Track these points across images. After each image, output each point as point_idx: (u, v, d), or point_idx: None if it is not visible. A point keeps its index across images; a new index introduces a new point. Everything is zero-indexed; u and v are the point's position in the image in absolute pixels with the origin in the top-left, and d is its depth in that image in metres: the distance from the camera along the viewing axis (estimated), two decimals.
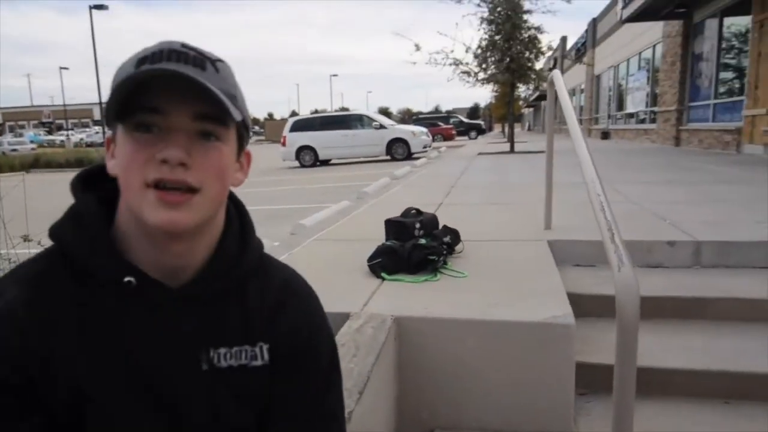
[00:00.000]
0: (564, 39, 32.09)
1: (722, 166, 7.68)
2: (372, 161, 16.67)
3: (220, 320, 0.75)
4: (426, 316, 2.13)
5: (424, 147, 17.27)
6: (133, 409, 0.69)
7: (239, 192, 0.81)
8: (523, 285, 2.45)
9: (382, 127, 16.95)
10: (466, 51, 13.19)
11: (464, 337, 2.08)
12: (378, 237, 3.16)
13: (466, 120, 41.37)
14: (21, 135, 52.83)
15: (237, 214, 0.81)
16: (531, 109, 52.73)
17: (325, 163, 17.09)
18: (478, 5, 12.81)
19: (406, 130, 17.41)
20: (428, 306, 2.23)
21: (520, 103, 29.51)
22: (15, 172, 18.95)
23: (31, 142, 41.62)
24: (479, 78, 13.43)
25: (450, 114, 46.12)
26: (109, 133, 0.71)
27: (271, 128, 51.76)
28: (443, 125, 32.44)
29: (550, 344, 2.00)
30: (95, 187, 0.74)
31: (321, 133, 16.41)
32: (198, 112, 0.65)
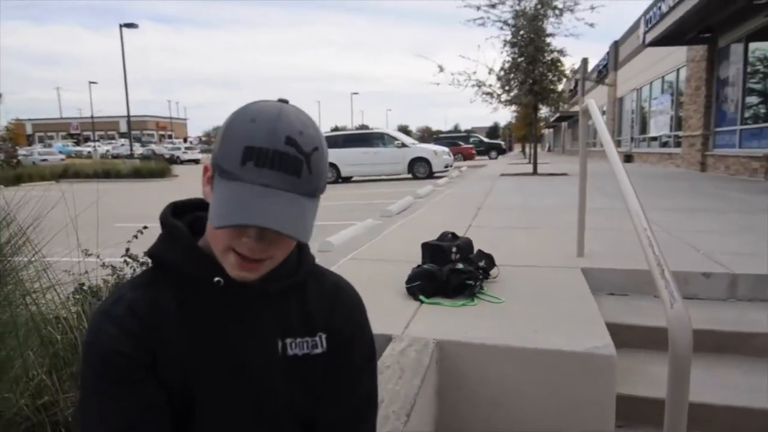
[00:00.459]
0: (585, 60, 32.13)
1: (750, 194, 7.60)
2: (393, 179, 16.78)
3: (286, 314, 0.90)
4: (467, 341, 2.17)
5: (446, 166, 17.35)
6: (223, 386, 0.85)
7: None
8: (560, 312, 2.48)
9: (404, 145, 17.09)
10: (489, 72, 13.30)
11: (504, 363, 2.11)
12: (412, 258, 3.22)
13: (486, 139, 41.42)
14: (50, 145, 54.18)
15: None
16: (551, 130, 52.63)
17: (347, 180, 17.25)
18: (501, 28, 12.95)
19: (428, 150, 17.53)
20: (467, 331, 2.27)
21: (541, 124, 29.53)
22: (46, 182, 19.45)
23: (60, 152, 42.63)
24: (502, 99, 13.51)
25: (469, 133, 46.23)
26: (208, 161, 0.82)
27: None
28: (463, 144, 32.51)
29: (590, 375, 2.02)
30: (181, 213, 0.92)
31: (343, 150, 16.59)
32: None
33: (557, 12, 12.48)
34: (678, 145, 15.13)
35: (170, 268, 0.85)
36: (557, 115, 29.99)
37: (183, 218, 0.90)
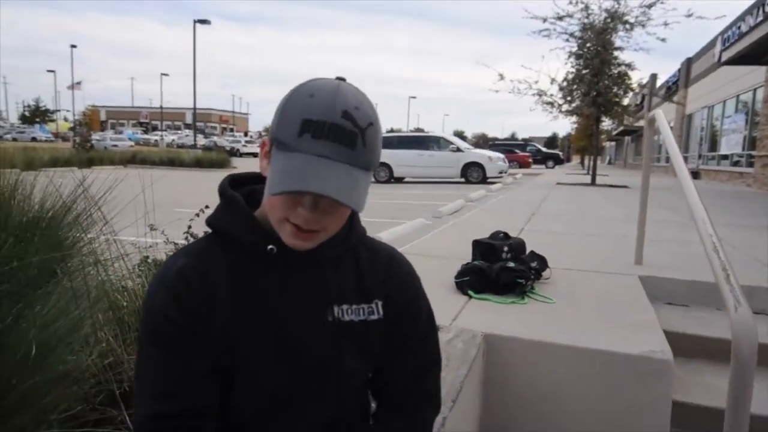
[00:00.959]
0: (654, 76, 30.79)
1: None
2: (446, 182, 16.70)
3: (341, 282, 0.92)
4: (516, 336, 2.15)
5: (500, 172, 17.10)
6: (274, 351, 0.87)
7: None
8: (615, 316, 2.41)
9: (458, 149, 16.98)
10: (551, 82, 13.02)
11: (555, 361, 2.08)
12: (461, 256, 3.21)
13: (543, 149, 40.54)
14: (121, 132, 57.24)
15: None
16: (613, 144, 50.89)
17: (399, 180, 17.31)
18: (567, 40, 12.64)
19: (483, 155, 17.33)
20: (516, 327, 2.25)
21: (603, 136, 28.63)
22: (115, 166, 20.50)
23: (129, 139, 44.90)
24: (563, 110, 13.20)
25: (526, 142, 45.34)
26: (266, 137, 0.86)
27: None
28: (519, 152, 31.97)
29: (646, 378, 1.96)
30: (238, 186, 0.96)
31: (398, 151, 16.65)
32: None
33: (627, 26, 12.07)
34: (750, 164, 14.33)
35: (226, 235, 0.88)
36: (621, 128, 28.98)
37: (240, 190, 0.94)
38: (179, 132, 67.34)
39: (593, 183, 13.13)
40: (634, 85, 12.86)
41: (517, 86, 12.73)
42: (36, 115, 70.32)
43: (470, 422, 1.97)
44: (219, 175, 1.03)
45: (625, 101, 13.15)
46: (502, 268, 2.68)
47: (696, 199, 2.03)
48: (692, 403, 2.09)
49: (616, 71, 12.42)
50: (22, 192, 3.09)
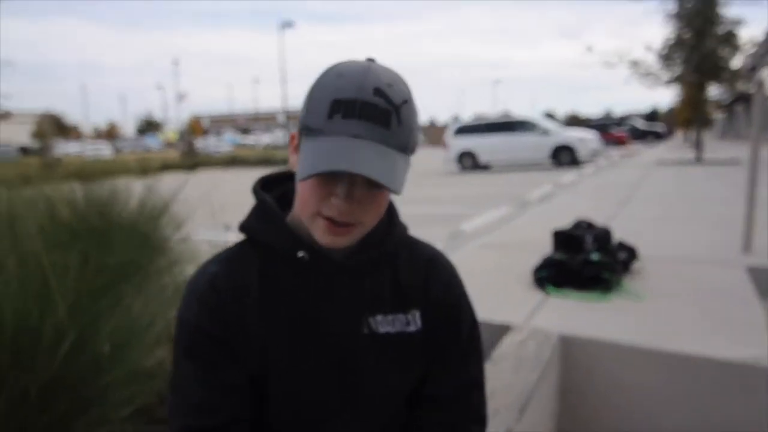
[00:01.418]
0: None
1: None
2: (535, 167, 16.05)
3: (375, 289, 0.85)
4: (597, 338, 1.97)
5: (594, 154, 16.12)
6: (306, 362, 0.82)
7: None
8: (715, 316, 2.15)
9: (546, 132, 16.22)
10: (647, 50, 12.02)
11: (642, 367, 1.88)
12: (542, 247, 3.02)
13: (641, 126, 37.76)
14: (221, 138, 61.21)
15: None
16: (723, 114, 46.29)
17: (486, 168, 16.90)
18: (663, 0, 11.59)
19: (573, 136, 16.39)
20: (599, 327, 2.07)
21: (711, 107, 26.10)
22: (216, 167, 21.89)
23: (229, 142, 47.79)
24: (662, 79, 12.15)
25: (623, 119, 42.46)
26: (295, 129, 0.81)
27: (431, 134, 52.76)
28: (615, 131, 30.00)
29: (749, 390, 1.72)
30: (271, 187, 0.91)
31: (483, 137, 16.21)
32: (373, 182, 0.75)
33: None
34: None
35: (258, 241, 0.85)
36: (733, 96, 26.25)
37: (274, 191, 0.89)
38: (273, 133, 70.59)
39: (699, 160, 12.00)
40: (746, 45, 11.52)
41: (607, 59, 11.91)
42: (148, 127, 77.05)
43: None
44: None
45: (735, 64, 11.83)
46: (584, 260, 2.48)
47: None
48: None
49: (722, 31, 11.19)
50: (123, 197, 3.39)
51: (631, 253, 2.73)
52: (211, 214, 2.98)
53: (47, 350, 1.40)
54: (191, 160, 23.94)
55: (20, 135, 41.95)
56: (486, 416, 0.96)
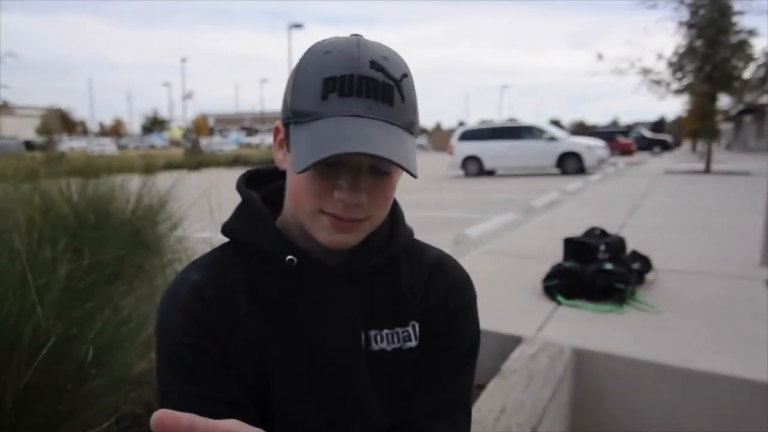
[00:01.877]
0: None
1: None
2: (541, 174, 15.92)
3: (373, 300, 0.75)
4: (612, 352, 1.87)
5: (600, 162, 15.99)
6: (305, 376, 0.73)
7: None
8: (735, 331, 2.04)
9: (553, 139, 16.11)
10: (658, 59, 11.91)
11: (659, 384, 1.78)
12: (551, 255, 2.92)
13: (648, 134, 37.61)
14: (226, 137, 61.29)
15: None
16: (730, 125, 46.12)
17: (491, 173, 16.78)
18: (676, 8, 11.49)
19: (581, 143, 16.28)
20: (613, 341, 1.96)
21: (719, 117, 25.99)
22: (220, 167, 21.91)
23: (234, 142, 47.82)
24: (672, 88, 12.04)
25: (630, 128, 42.33)
26: (278, 121, 0.71)
27: (436, 139, 52.65)
28: (622, 139, 29.85)
29: None
30: (258, 184, 0.80)
31: (488, 143, 16.09)
32: (378, 164, 0.66)
33: None
34: None
35: (242, 244, 0.75)
36: (740, 107, 26.13)
37: (263, 189, 0.79)
38: None
39: (707, 170, 11.87)
40: (758, 55, 11.40)
41: (618, 66, 11.80)
42: (154, 124, 77.35)
43: None
44: None
45: (746, 74, 11.71)
46: (597, 270, 2.38)
47: None
48: None
49: (735, 40, 11.08)
50: (121, 195, 3.31)
51: (645, 263, 2.62)
52: (210, 213, 2.89)
53: (26, 354, 1.30)
54: (195, 158, 23.93)
55: (26, 130, 42.12)
56: None
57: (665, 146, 33.20)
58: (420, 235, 0.84)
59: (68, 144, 31.27)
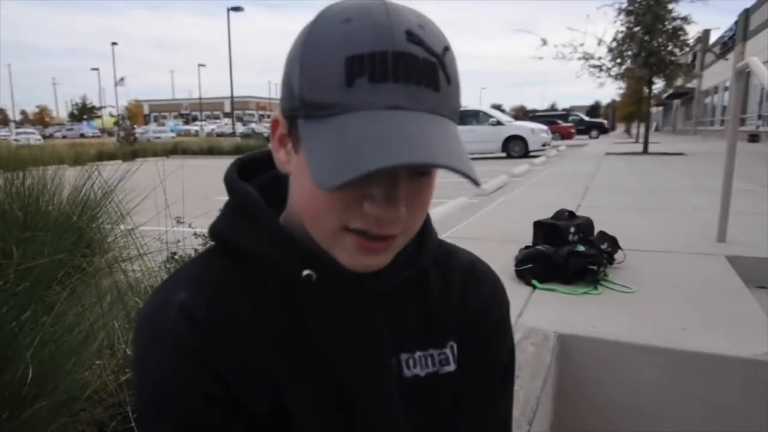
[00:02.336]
0: (707, 32, 29.14)
1: None
2: (487, 158, 16.15)
3: (401, 319, 0.63)
4: (595, 336, 1.82)
5: (543, 145, 16.41)
6: (325, 415, 0.60)
7: None
8: (709, 307, 2.04)
9: (498, 123, 16.37)
10: (599, 44, 12.26)
11: (644, 365, 1.74)
12: (516, 239, 2.88)
13: (587, 118, 39.00)
14: (163, 125, 58.72)
15: None
16: (659, 109, 48.63)
17: None
18: None
19: (525, 127, 16.65)
20: (594, 323, 1.92)
21: (652, 101, 27.32)
22: (157, 157, 20.98)
23: (171, 131, 45.80)
24: (612, 73, 12.44)
25: (568, 112, 43.77)
26: (276, 113, 0.56)
27: None
28: (561, 123, 30.79)
29: (761, 388, 1.60)
30: (250, 173, 0.65)
31: None
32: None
33: None
34: None
35: (242, 255, 0.59)
36: (670, 91, 27.51)
37: (255, 180, 0.64)
38: (218, 121, 68.36)
39: (645, 151, 12.39)
40: (691, 41, 11.95)
41: (561, 51, 12.04)
42: (83, 112, 73.05)
43: None
44: None
45: (681, 59, 12.27)
46: (570, 252, 2.34)
47: None
48: None
49: (670, 26, 11.55)
50: (54, 188, 2.98)
51: (613, 243, 2.61)
52: (158, 207, 2.65)
53: None
54: (130, 147, 22.77)
55: None
56: None
57: (602, 130, 34.53)
58: None
59: None
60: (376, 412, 0.60)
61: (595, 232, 2.75)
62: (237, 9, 30.66)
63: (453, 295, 0.67)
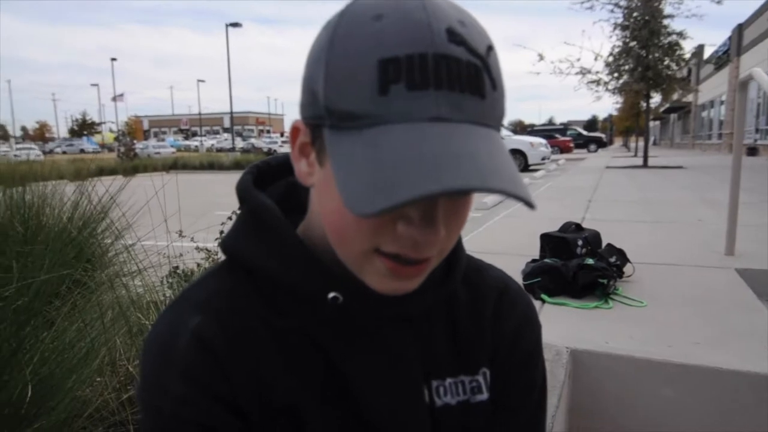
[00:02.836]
0: (701, 47, 29.45)
1: None
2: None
3: (431, 343, 0.58)
4: (609, 351, 1.78)
5: (543, 159, 16.42)
6: None
7: None
8: (723, 322, 2.00)
9: None
10: (596, 59, 12.36)
11: (659, 381, 1.70)
12: (522, 252, 2.85)
13: (585, 132, 39.16)
14: (163, 140, 58.87)
15: None
16: (657, 123, 48.90)
17: None
18: (612, 11, 11.97)
19: (524, 141, 16.67)
20: (606, 338, 1.88)
21: (650, 115, 27.47)
22: (158, 172, 21.02)
23: (171, 146, 45.90)
24: (609, 87, 12.51)
25: (566, 126, 44.01)
26: (298, 121, 0.50)
27: None
28: (560, 137, 30.89)
29: None
30: (264, 182, 0.60)
31: None
32: None
33: None
34: None
35: (260, 275, 0.54)
36: (666, 105, 27.68)
37: (270, 189, 0.59)
38: (218, 136, 68.62)
39: (645, 165, 12.40)
40: (687, 55, 12.05)
41: (558, 66, 12.12)
42: (83, 128, 73.31)
43: None
44: None
45: (678, 74, 12.36)
46: (579, 265, 2.30)
47: None
48: None
49: (666, 41, 11.65)
50: (54, 203, 2.95)
51: (622, 256, 2.58)
52: (159, 221, 2.62)
53: None
54: (130, 162, 22.80)
55: None
56: None
57: (600, 144, 34.65)
58: None
59: None
60: None
61: (603, 244, 2.72)
62: (235, 25, 30.94)
63: (485, 318, 0.62)
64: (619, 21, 11.98)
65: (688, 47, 12.26)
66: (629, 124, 25.88)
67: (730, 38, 22.91)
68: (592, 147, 32.96)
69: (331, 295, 0.51)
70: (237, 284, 0.54)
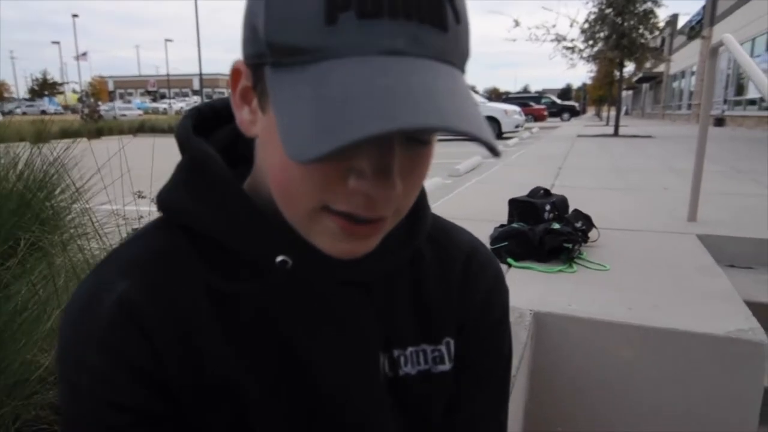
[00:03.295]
0: (675, 16, 29.64)
1: None
2: (459, 139, 16.13)
3: (392, 309, 0.54)
4: (571, 314, 1.81)
5: (516, 126, 16.49)
6: (298, 418, 0.51)
7: None
8: (683, 285, 2.05)
9: None
10: (571, 25, 12.32)
11: (619, 343, 1.74)
12: (491, 217, 2.85)
13: (559, 101, 39.36)
14: (129, 102, 56.94)
15: None
16: (629, 92, 49.44)
17: None
18: None
19: (498, 108, 16.66)
20: (569, 301, 1.91)
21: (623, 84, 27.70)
22: (124, 135, 20.40)
23: (138, 108, 44.44)
24: (584, 55, 12.51)
25: (541, 94, 44.14)
26: (239, 61, 0.45)
27: None
28: (534, 105, 31.00)
29: (733, 364, 1.62)
30: (207, 130, 0.54)
31: None
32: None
33: None
34: None
35: (198, 232, 0.49)
36: (639, 75, 27.98)
37: (215, 135, 0.54)
38: (187, 99, 66.71)
39: (616, 134, 12.57)
40: (661, 23, 12.10)
41: (534, 33, 12.04)
42: (44, 88, 70.33)
43: (515, 424, 1.66)
44: None
45: (652, 42, 12.43)
46: (546, 230, 2.32)
47: None
48: None
49: (641, 8, 11.65)
50: (6, 164, 2.82)
51: (588, 221, 2.60)
52: (120, 183, 2.52)
53: None
54: (94, 124, 22.06)
55: None
56: None
57: (573, 112, 34.91)
58: None
59: None
60: (362, 420, 0.52)
61: (570, 210, 2.75)
62: None
63: (452, 281, 0.59)
64: None
65: (662, 15, 12.32)
66: (602, 93, 26.06)
67: (704, 8, 23.07)
68: (566, 116, 33.21)
69: (280, 258, 0.47)
70: (173, 244, 0.49)
